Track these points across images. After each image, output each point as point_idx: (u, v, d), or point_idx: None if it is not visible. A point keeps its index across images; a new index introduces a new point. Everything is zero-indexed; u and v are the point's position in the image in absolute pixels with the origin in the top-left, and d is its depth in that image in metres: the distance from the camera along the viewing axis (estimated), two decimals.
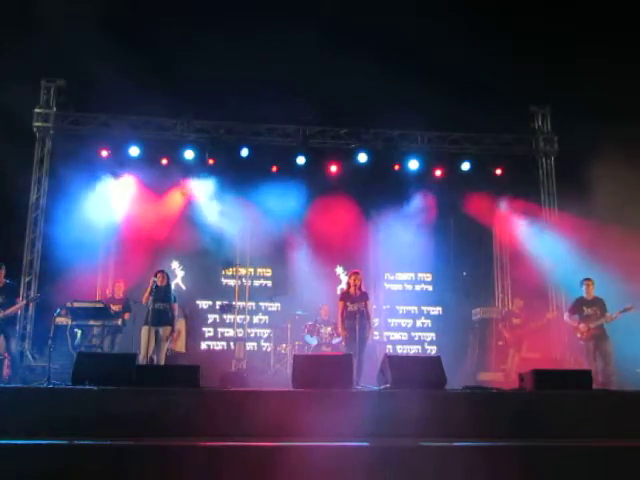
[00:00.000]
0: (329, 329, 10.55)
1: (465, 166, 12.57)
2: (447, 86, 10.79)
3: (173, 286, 11.59)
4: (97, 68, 10.25)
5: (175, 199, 12.36)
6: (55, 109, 11.86)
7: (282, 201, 12.31)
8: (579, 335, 8.84)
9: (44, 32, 9.70)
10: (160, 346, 8.34)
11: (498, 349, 10.92)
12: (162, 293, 8.42)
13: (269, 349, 11.51)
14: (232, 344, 11.89)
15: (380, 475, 4.30)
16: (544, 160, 12.85)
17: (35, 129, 11.79)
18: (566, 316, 9.31)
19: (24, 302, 8.65)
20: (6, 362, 8.30)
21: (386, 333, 12.86)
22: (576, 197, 10.73)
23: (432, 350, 12.83)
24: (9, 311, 8.20)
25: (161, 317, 8.35)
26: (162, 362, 8.38)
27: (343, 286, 11.29)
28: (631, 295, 8.99)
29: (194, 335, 11.77)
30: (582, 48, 10.69)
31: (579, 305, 8.92)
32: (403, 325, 13.07)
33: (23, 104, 11.30)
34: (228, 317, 12.67)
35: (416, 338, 13.03)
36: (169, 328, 8.43)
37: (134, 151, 11.95)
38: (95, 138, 11.92)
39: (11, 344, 8.37)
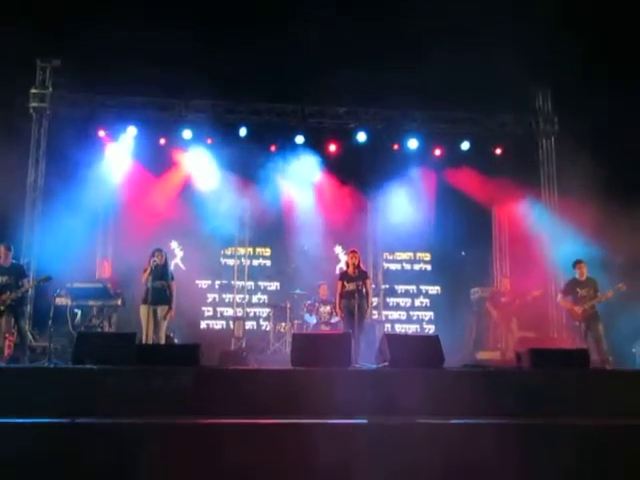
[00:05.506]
0: (328, 308, 10.59)
1: (465, 146, 12.56)
2: (446, 65, 10.70)
3: (172, 266, 11.66)
4: (94, 48, 10.16)
5: (173, 179, 12.34)
6: (51, 89, 11.77)
7: (281, 180, 12.33)
8: (573, 316, 8.90)
9: (39, 11, 9.60)
10: (159, 325, 8.37)
11: (495, 328, 11.00)
12: (160, 272, 8.42)
13: (268, 328, 11.57)
14: (231, 323, 11.95)
15: (378, 452, 4.34)
16: (544, 140, 12.80)
17: (31, 110, 11.71)
18: (559, 297, 9.37)
19: (33, 283, 8.66)
20: (7, 342, 8.34)
21: (385, 312, 12.94)
22: (576, 178, 10.72)
23: (430, 329, 12.92)
24: (19, 292, 8.21)
25: (159, 296, 8.35)
26: (162, 341, 8.41)
27: (342, 265, 11.33)
28: (628, 275, 9.02)
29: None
30: (583, 27, 10.60)
31: (573, 286, 8.95)
32: (402, 304, 13.14)
33: (19, 85, 11.23)
34: (227, 296, 12.73)
35: (414, 317, 13.10)
36: (167, 307, 8.45)
37: (132, 131, 11.91)
38: (92, 118, 11.86)
39: (21, 324, 8.42)
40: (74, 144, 11.35)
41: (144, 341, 8.06)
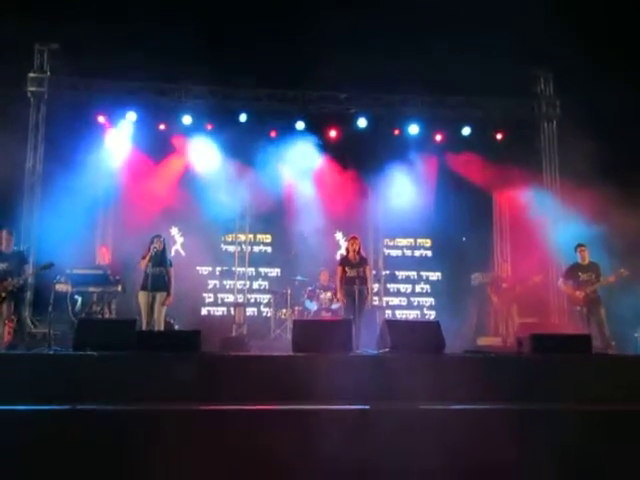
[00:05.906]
0: (328, 294, 10.59)
1: (466, 131, 12.49)
2: (448, 50, 10.62)
3: (173, 252, 11.66)
4: (92, 32, 10.06)
5: (173, 165, 12.28)
6: (49, 74, 11.66)
7: (281, 167, 12.27)
8: (575, 301, 8.85)
9: None
10: (157, 311, 8.37)
11: (496, 314, 11.01)
12: (159, 258, 8.43)
13: (269, 314, 11.58)
14: (232, 309, 11.94)
15: (380, 438, 4.34)
16: (546, 124, 12.71)
17: (29, 94, 11.61)
18: (560, 282, 9.30)
19: (35, 270, 8.64)
20: (7, 329, 8.33)
21: (385, 298, 12.94)
22: (577, 161, 10.65)
23: (431, 315, 12.93)
24: (21, 279, 8.18)
25: (158, 282, 8.36)
26: (160, 327, 8.40)
27: (343, 252, 11.31)
28: (630, 259, 8.98)
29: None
30: (585, 10, 10.50)
31: (575, 271, 8.89)
32: (402, 290, 13.14)
33: (17, 69, 11.14)
34: (228, 283, 12.72)
35: (415, 303, 13.11)
36: (165, 293, 8.44)
37: (131, 116, 11.83)
38: (91, 103, 11.77)
39: (22, 310, 8.42)
40: (73, 129, 11.30)
41: (143, 327, 8.06)
